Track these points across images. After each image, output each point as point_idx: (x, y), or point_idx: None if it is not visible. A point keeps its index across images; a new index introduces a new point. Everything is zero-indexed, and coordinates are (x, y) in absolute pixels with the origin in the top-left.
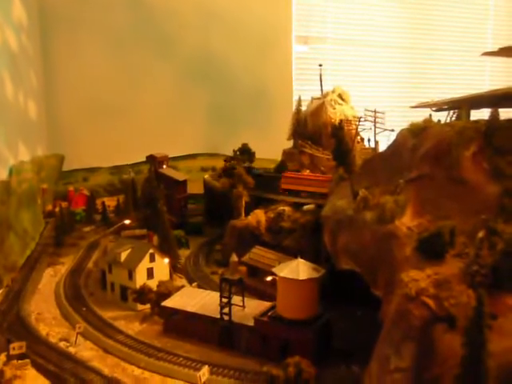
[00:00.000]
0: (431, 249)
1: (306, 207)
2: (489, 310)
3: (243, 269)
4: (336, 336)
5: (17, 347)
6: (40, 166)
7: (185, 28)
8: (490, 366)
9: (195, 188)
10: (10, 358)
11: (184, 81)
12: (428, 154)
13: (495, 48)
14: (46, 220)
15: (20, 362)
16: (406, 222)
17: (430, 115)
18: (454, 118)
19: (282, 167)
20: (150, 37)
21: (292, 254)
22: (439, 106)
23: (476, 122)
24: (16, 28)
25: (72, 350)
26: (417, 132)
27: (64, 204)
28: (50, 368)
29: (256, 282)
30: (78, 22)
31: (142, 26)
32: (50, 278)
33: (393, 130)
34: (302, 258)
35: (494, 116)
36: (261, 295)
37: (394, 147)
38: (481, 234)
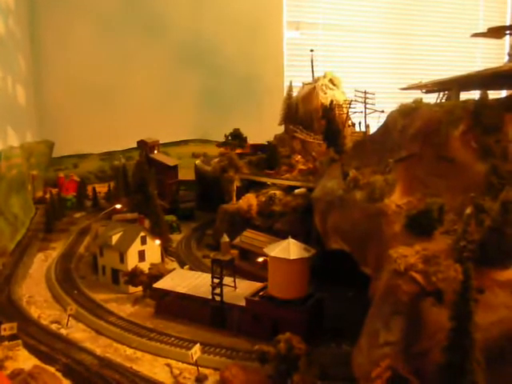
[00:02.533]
0: (420, 226)
1: (297, 191)
2: (475, 285)
3: (235, 252)
4: (327, 316)
5: (8, 328)
6: (29, 152)
7: (175, 12)
8: (477, 338)
9: (187, 174)
10: (1, 339)
11: (175, 66)
12: (417, 133)
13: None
14: (36, 206)
15: (11, 342)
16: (396, 200)
17: (421, 99)
18: (444, 100)
19: (273, 152)
20: (140, 21)
21: (283, 237)
22: (429, 88)
23: (465, 101)
24: (3, 12)
25: (64, 331)
26: (406, 113)
27: (54, 190)
28: (42, 349)
29: (247, 265)
30: (67, 5)
31: (132, 9)
32: (41, 263)
33: (383, 111)
34: None
35: (483, 96)
36: (252, 277)
37: (384, 129)
38: (468, 211)
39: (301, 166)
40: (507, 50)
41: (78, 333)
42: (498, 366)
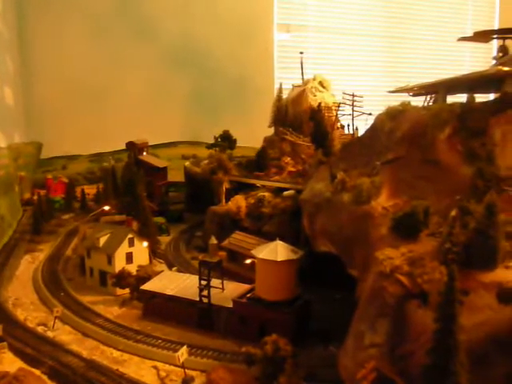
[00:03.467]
0: (406, 228)
1: (286, 193)
2: (460, 286)
3: (223, 254)
4: (314, 318)
5: None
6: (17, 153)
7: (166, 14)
8: (461, 339)
9: (176, 176)
10: None
11: (165, 67)
12: (404, 136)
13: None
14: (24, 208)
15: None
16: (382, 202)
17: (409, 102)
18: (431, 103)
19: (262, 154)
20: (130, 22)
21: (272, 239)
22: (416, 91)
23: (451, 104)
24: None
25: (50, 334)
26: (394, 115)
27: (42, 192)
28: (28, 351)
29: (236, 267)
30: (56, 5)
31: (123, 11)
32: (28, 265)
33: (370, 114)
34: None
35: (470, 99)
36: (240, 279)
37: (372, 131)
38: (453, 213)
39: (290, 168)
40: (494, 53)
41: (64, 335)
42: (483, 368)
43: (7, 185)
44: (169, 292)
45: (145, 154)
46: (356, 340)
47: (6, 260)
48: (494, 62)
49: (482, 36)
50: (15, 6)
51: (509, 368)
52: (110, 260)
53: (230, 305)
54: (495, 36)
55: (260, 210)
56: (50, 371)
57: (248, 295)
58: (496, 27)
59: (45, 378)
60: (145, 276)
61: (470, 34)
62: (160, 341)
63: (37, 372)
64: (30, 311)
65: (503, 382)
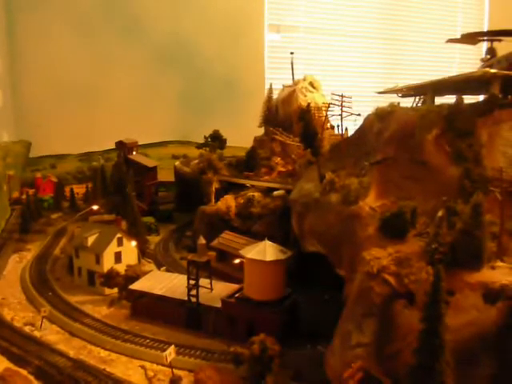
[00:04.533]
0: (393, 228)
1: (275, 193)
2: (446, 286)
3: (213, 254)
4: (303, 318)
5: None
6: (6, 152)
7: (155, 14)
8: (447, 339)
9: (166, 176)
10: None
11: (155, 67)
12: (392, 137)
13: None
14: (12, 207)
15: None
16: (370, 202)
17: (398, 103)
18: (419, 104)
19: (252, 154)
20: (119, 22)
21: (261, 238)
22: (405, 92)
23: (439, 106)
24: None
25: (37, 333)
26: (382, 116)
27: (31, 191)
28: (14, 351)
29: (225, 266)
30: (45, 5)
31: (112, 10)
32: (16, 264)
33: (359, 115)
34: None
35: (458, 101)
36: (229, 279)
37: (361, 132)
38: (440, 213)
39: (280, 168)
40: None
41: (51, 335)
42: (468, 368)
43: None
44: (157, 292)
45: (134, 153)
46: (343, 340)
47: None
48: (481, 63)
49: (470, 38)
50: (4, 6)
51: (494, 368)
52: (98, 259)
53: (219, 304)
54: (483, 38)
55: (249, 209)
56: (37, 371)
57: (236, 295)
58: (485, 29)
59: (31, 377)
60: (133, 276)
61: (459, 35)
62: (148, 340)
63: (23, 372)
64: (17, 311)
65: (489, 382)
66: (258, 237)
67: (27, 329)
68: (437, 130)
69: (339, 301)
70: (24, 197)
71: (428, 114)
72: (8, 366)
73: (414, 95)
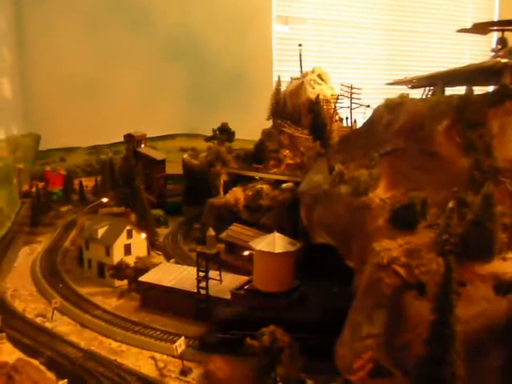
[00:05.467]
0: (403, 219)
1: (284, 185)
2: (457, 278)
3: (221, 246)
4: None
5: None
6: (15, 145)
7: (163, 6)
8: (458, 330)
9: (174, 168)
10: None
11: (163, 59)
12: (402, 128)
13: None
14: (22, 200)
15: None
16: (380, 193)
17: (408, 94)
18: (429, 95)
19: (261, 147)
20: (127, 14)
21: (270, 231)
22: (414, 83)
23: (449, 97)
24: None
25: (48, 325)
26: (392, 107)
27: (41, 184)
28: (26, 342)
29: (233, 259)
30: None
31: (119, 2)
32: (27, 256)
33: (368, 106)
34: None
35: (468, 91)
36: (238, 271)
37: (370, 123)
38: (451, 204)
39: (289, 161)
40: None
41: (62, 326)
42: (479, 359)
43: (5, 177)
44: (167, 283)
45: (143, 146)
46: (353, 331)
47: (4, 252)
48: (492, 54)
49: (481, 28)
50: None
51: (504, 359)
52: (108, 251)
53: (228, 296)
54: (494, 28)
55: (258, 202)
56: (49, 361)
57: (246, 287)
58: (495, 19)
59: (43, 368)
60: (143, 268)
61: (469, 25)
62: (158, 332)
63: (35, 362)
64: (28, 302)
65: (499, 373)
66: (266, 229)
67: (38, 320)
68: (447, 121)
69: (348, 293)
70: (34, 190)
71: (438, 105)
72: (20, 357)
73: (424, 86)
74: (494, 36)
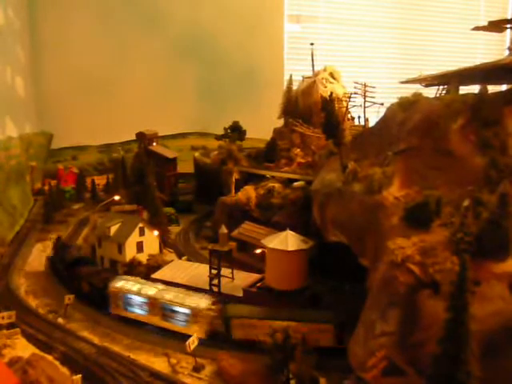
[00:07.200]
0: (418, 218)
1: (296, 184)
2: (472, 277)
3: (233, 244)
4: (324, 308)
5: (6, 317)
6: (28, 143)
7: (175, 4)
8: (472, 329)
9: (186, 167)
10: None
11: (175, 58)
12: (416, 126)
13: None
14: (35, 198)
15: (10, 331)
16: (394, 192)
17: (421, 92)
18: (443, 94)
19: (272, 145)
20: (139, 13)
21: (282, 229)
22: (428, 82)
23: (464, 95)
24: (2, 2)
25: (62, 321)
26: (406, 106)
27: (53, 182)
28: (40, 337)
29: (245, 256)
30: None
31: (132, 1)
32: (40, 253)
33: (382, 104)
34: None
35: (483, 90)
36: (249, 269)
37: (383, 122)
38: (466, 203)
39: (300, 160)
40: (508, 44)
41: (75, 322)
42: (493, 358)
43: (19, 175)
44: (179, 281)
45: (155, 144)
46: (367, 329)
47: (18, 248)
48: (507, 52)
49: (497, 25)
50: None
51: None
52: (120, 249)
53: (240, 294)
54: (509, 26)
55: (270, 200)
56: (62, 357)
57: (258, 284)
58: (509, 16)
59: (57, 363)
60: (155, 265)
61: (483, 23)
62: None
63: (49, 357)
64: (41, 298)
65: None
66: (278, 227)
67: (52, 316)
68: (462, 120)
69: (360, 292)
70: (46, 188)
71: (453, 104)
72: (34, 352)
73: (438, 85)
74: (507, 34)
